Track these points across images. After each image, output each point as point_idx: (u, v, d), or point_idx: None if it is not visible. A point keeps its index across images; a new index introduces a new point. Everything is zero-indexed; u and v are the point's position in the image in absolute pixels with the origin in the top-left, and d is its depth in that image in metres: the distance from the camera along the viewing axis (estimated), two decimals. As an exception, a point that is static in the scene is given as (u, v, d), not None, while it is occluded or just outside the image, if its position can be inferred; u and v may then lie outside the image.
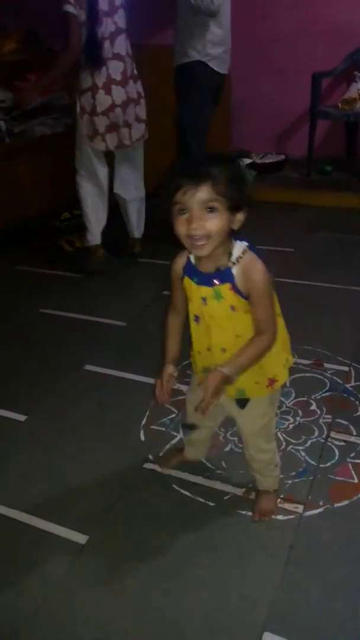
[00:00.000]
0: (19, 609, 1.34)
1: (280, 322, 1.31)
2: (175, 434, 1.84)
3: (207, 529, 1.51)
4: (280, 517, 1.52)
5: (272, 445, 1.48)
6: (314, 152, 3.93)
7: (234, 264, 1.19)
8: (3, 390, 2.14)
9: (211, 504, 1.58)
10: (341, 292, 2.67)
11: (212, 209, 1.11)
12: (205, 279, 1.21)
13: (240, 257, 1.19)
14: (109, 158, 2.93)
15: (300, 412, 1.89)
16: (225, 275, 1.19)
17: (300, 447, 1.75)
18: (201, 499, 1.59)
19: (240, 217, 1.16)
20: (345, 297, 2.63)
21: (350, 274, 2.82)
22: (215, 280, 1.20)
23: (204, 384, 1.21)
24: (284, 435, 1.80)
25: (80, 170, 2.90)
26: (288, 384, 2.02)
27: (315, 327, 2.37)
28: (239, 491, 1.61)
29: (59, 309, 2.69)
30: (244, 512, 1.54)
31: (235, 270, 1.18)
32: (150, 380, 2.10)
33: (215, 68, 2.81)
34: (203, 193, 1.09)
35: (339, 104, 3.79)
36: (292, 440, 1.77)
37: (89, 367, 2.23)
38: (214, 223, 1.12)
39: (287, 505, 1.55)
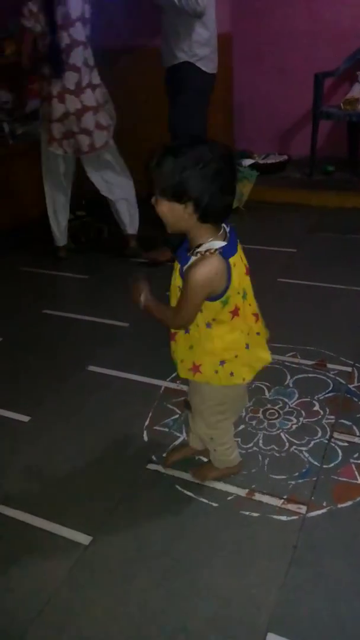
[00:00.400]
0: (24, 610, 1.34)
1: (238, 325, 1.36)
2: (178, 434, 1.85)
3: (210, 529, 1.51)
4: (283, 517, 1.52)
5: (212, 432, 1.54)
6: (316, 153, 3.93)
7: (194, 255, 1.27)
8: (7, 391, 2.14)
9: (214, 504, 1.58)
10: (344, 293, 2.67)
11: (156, 196, 1.24)
12: (179, 256, 1.33)
13: (201, 253, 1.25)
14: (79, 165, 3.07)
15: (303, 412, 1.89)
16: (183, 259, 1.30)
17: (304, 448, 1.75)
18: (204, 500, 1.59)
19: (189, 207, 1.21)
20: (348, 298, 2.62)
21: (353, 274, 2.82)
22: (179, 257, 1.33)
23: (138, 290, 1.37)
24: (287, 435, 1.80)
25: (45, 174, 3.08)
26: (291, 384, 2.02)
27: (318, 328, 2.37)
28: (243, 492, 1.61)
29: (62, 310, 2.70)
30: (247, 513, 1.54)
31: (191, 260, 1.27)
32: (154, 381, 2.11)
33: (203, 68, 2.79)
34: (155, 181, 1.22)
35: (341, 104, 3.78)
36: (295, 441, 1.77)
37: (92, 367, 2.23)
38: (159, 209, 1.25)
39: (290, 506, 1.55)
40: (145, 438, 1.85)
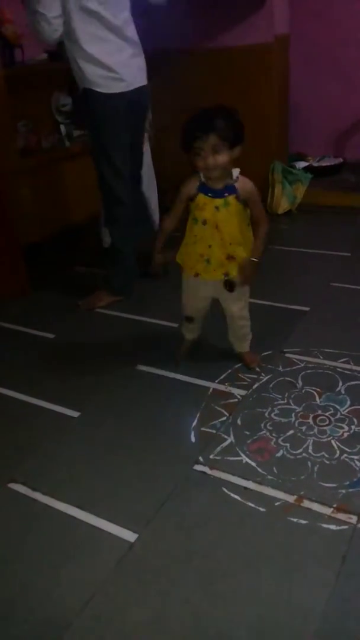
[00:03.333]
0: (69, 602, 1.36)
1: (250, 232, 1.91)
2: (225, 437, 1.83)
3: (257, 535, 1.49)
4: (332, 526, 1.48)
5: (248, 313, 2.11)
6: (373, 155, 3.84)
7: (235, 181, 1.80)
8: (58, 386, 2.18)
9: (262, 509, 1.56)
10: None
11: (217, 150, 1.70)
12: (218, 193, 1.81)
13: (238, 177, 1.81)
14: None
15: (355, 420, 1.84)
16: (231, 189, 1.81)
17: (355, 457, 1.70)
18: (252, 504, 1.57)
19: (237, 150, 1.75)
20: None
21: None
22: (225, 193, 1.81)
23: (246, 274, 1.91)
24: (338, 443, 1.75)
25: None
26: (342, 391, 1.98)
27: (372, 334, 2.31)
28: (291, 498, 1.58)
29: (114, 309, 2.73)
30: (295, 520, 1.51)
31: (237, 185, 1.81)
32: (202, 382, 2.10)
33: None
34: (212, 139, 1.69)
35: None
36: (347, 449, 1.73)
37: (141, 367, 2.25)
38: (220, 159, 1.72)
39: (340, 515, 1.51)
40: (193, 439, 1.85)
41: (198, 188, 1.83)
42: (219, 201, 1.81)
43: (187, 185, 1.85)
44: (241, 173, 1.81)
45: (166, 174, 3.36)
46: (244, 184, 1.81)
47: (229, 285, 1.94)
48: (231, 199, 1.80)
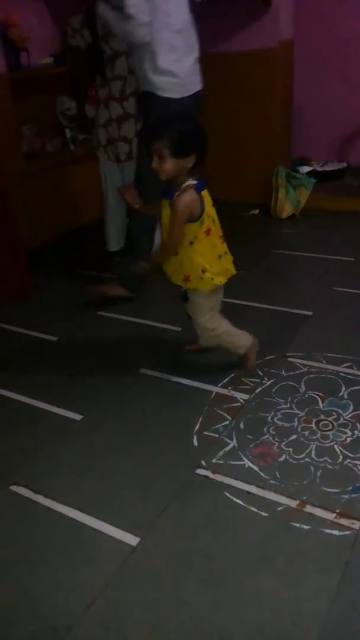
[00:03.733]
0: (71, 605, 1.36)
1: (210, 241, 1.88)
2: (228, 441, 1.83)
3: (259, 539, 1.49)
4: (335, 532, 1.48)
5: (212, 328, 2.04)
6: (377, 160, 3.84)
7: (179, 190, 1.80)
8: (60, 389, 2.18)
9: (264, 514, 1.55)
10: None
11: (161, 157, 1.75)
12: (166, 194, 1.85)
13: (184, 188, 1.80)
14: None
15: (358, 425, 1.84)
16: (171, 194, 1.83)
17: (358, 462, 1.69)
18: (254, 509, 1.57)
19: (188, 161, 1.76)
20: None
21: None
22: (167, 195, 1.85)
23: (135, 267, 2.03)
24: (340, 448, 1.75)
25: (103, 180, 3.16)
26: (346, 395, 1.97)
27: (375, 339, 2.31)
28: (294, 503, 1.57)
29: (117, 312, 2.73)
30: (298, 525, 1.51)
31: (176, 194, 1.80)
32: (205, 386, 2.10)
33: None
34: (157, 146, 1.74)
35: None
36: (350, 454, 1.72)
37: (144, 370, 2.25)
38: (165, 166, 1.76)
39: (343, 521, 1.51)
40: (195, 443, 1.84)
41: (164, 189, 1.89)
42: (165, 203, 1.87)
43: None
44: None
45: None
46: (179, 196, 1.79)
47: (184, 296, 2.03)
48: (166, 203, 1.86)
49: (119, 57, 2.82)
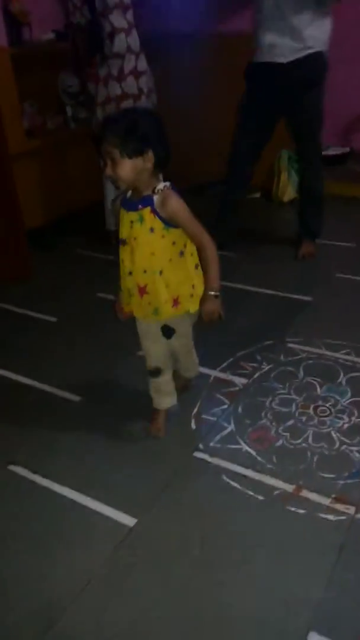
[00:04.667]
0: (67, 586, 1.37)
1: (190, 259, 1.58)
2: (226, 424, 1.84)
3: (255, 523, 1.50)
4: (330, 517, 1.49)
5: (191, 342, 1.81)
6: (381, 145, 3.80)
7: (155, 193, 1.48)
8: (59, 370, 2.19)
9: (260, 497, 1.56)
10: None
11: (114, 160, 1.42)
12: (132, 205, 1.51)
13: (160, 190, 1.48)
14: None
15: (355, 412, 1.85)
16: (146, 201, 1.49)
17: (355, 448, 1.70)
18: (251, 492, 1.58)
19: (144, 160, 1.44)
20: None
21: None
22: (139, 205, 1.49)
23: (207, 310, 1.56)
24: (337, 434, 1.76)
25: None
26: (344, 382, 1.98)
27: (375, 326, 2.31)
28: (290, 487, 1.58)
29: (115, 294, 2.72)
30: (293, 509, 1.52)
31: (155, 198, 1.48)
32: (203, 370, 2.09)
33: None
34: (105, 147, 1.43)
35: None
36: (347, 440, 1.73)
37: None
38: (120, 170, 1.43)
39: (339, 506, 1.52)
40: (193, 426, 1.85)
41: (122, 202, 1.56)
42: (132, 215, 1.51)
43: (117, 202, 1.58)
44: None
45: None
46: (164, 198, 1.47)
47: (166, 332, 1.66)
48: (146, 213, 1.48)
49: (118, 34, 2.76)
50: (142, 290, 1.57)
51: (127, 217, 1.52)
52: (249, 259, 3.01)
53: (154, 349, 1.72)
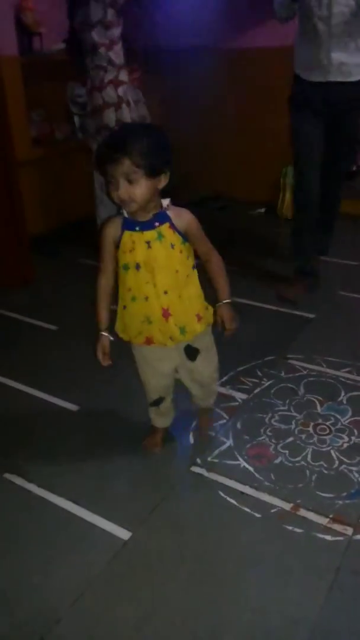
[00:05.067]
0: (61, 597, 1.35)
1: (196, 272, 1.54)
2: (224, 440, 1.82)
3: (251, 540, 1.48)
4: (328, 537, 1.47)
5: (217, 373, 1.76)
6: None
7: (166, 209, 1.43)
8: (58, 379, 2.18)
9: (257, 515, 1.55)
10: None
11: (132, 180, 1.32)
12: (147, 224, 1.42)
13: (168, 205, 1.44)
14: None
15: (356, 431, 1.83)
16: (162, 217, 1.43)
17: (354, 468, 1.69)
18: (247, 509, 1.56)
19: (162, 179, 1.37)
20: None
21: None
22: (156, 223, 1.42)
23: (229, 317, 1.55)
24: (337, 453, 1.74)
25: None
26: (344, 401, 1.97)
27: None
28: (287, 506, 1.57)
29: (116, 303, 2.71)
30: (290, 528, 1.50)
31: (169, 212, 1.43)
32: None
33: None
34: (123, 167, 1.30)
35: None
36: (346, 460, 1.72)
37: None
38: (138, 191, 1.34)
39: (336, 526, 1.50)
40: (191, 440, 1.84)
41: (123, 226, 1.44)
42: (149, 234, 1.42)
43: (110, 226, 1.45)
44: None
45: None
46: (178, 212, 1.44)
47: (191, 353, 1.60)
48: (164, 229, 1.42)
49: (99, 49, 2.83)
50: (166, 313, 1.49)
51: (141, 238, 1.42)
52: (252, 273, 3.01)
53: (155, 382, 1.66)
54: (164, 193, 1.43)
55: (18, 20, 3.13)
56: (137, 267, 1.45)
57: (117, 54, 2.87)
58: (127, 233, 1.43)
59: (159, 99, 4.21)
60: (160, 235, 1.42)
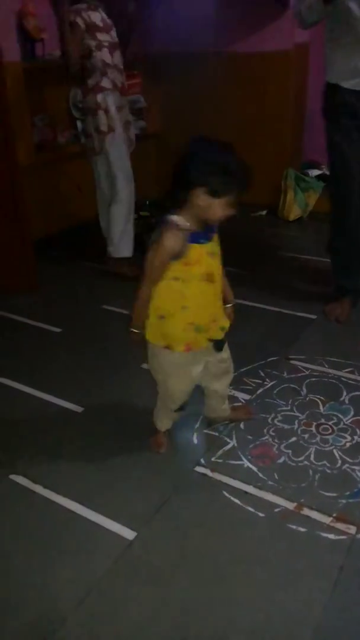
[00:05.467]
0: (66, 597, 1.36)
1: None
2: (228, 440, 1.83)
3: (255, 540, 1.49)
4: (331, 536, 1.48)
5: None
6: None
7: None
8: (63, 381, 2.19)
9: (261, 514, 1.56)
10: None
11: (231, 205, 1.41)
12: (204, 236, 1.46)
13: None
14: None
15: (358, 430, 1.84)
16: (211, 228, 1.48)
17: (357, 467, 1.70)
18: (251, 509, 1.57)
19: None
20: None
21: None
22: (210, 234, 1.47)
23: (231, 317, 1.64)
24: (340, 452, 1.75)
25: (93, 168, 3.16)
26: (347, 401, 1.98)
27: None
28: (291, 505, 1.58)
29: (120, 307, 2.74)
30: (294, 527, 1.51)
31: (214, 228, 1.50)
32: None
33: None
34: (238, 197, 1.40)
35: None
36: (348, 459, 1.73)
37: (146, 365, 2.24)
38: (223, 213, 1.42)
39: (339, 525, 1.51)
40: (195, 440, 1.85)
41: (189, 238, 1.43)
42: (209, 246, 1.47)
43: (176, 240, 1.41)
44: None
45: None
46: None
47: (219, 344, 1.63)
48: (216, 238, 1.50)
49: (101, 50, 2.81)
50: (215, 318, 1.57)
51: (203, 249, 1.45)
52: (254, 275, 3.02)
53: (184, 387, 1.67)
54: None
55: (20, 26, 3.16)
56: (210, 279, 1.49)
57: (100, 60, 2.81)
58: (194, 247, 1.44)
59: (159, 103, 4.24)
60: (215, 245, 1.50)
